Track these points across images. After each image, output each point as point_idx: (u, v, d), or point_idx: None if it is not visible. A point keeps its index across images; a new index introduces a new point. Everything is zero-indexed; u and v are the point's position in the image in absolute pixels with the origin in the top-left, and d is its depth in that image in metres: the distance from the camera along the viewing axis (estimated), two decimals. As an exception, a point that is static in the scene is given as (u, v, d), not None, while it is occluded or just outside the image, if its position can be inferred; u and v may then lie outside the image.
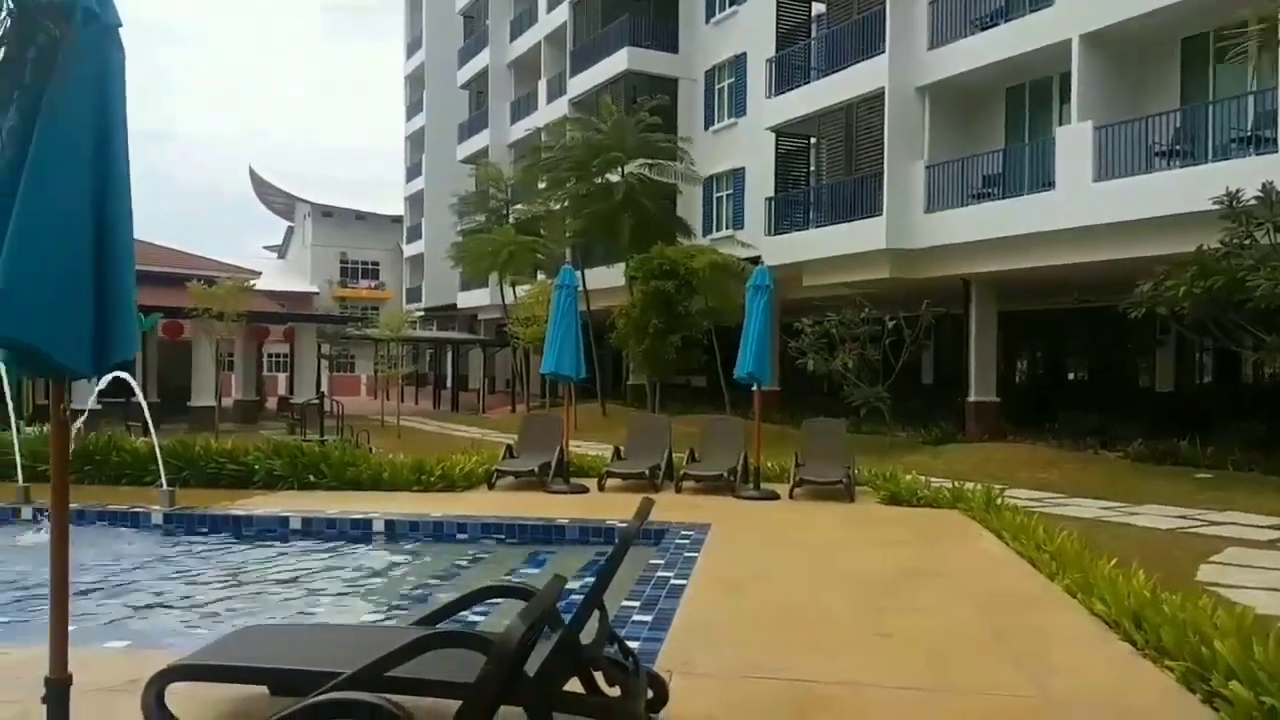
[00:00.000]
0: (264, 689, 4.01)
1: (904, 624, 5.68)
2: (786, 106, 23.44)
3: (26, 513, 9.38)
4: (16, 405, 11.55)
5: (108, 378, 7.98)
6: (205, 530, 9.13)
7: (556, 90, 36.64)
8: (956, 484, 10.69)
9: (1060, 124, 17.80)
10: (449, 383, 42.38)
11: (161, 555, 8.34)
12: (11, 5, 3.00)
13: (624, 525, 8.19)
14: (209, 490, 10.61)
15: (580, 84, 33.35)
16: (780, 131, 24.17)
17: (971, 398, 20.17)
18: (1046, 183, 17.29)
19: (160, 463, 10.01)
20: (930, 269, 19.90)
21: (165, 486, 9.64)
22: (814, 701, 4.32)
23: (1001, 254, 18.29)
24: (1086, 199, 16.23)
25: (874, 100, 20.72)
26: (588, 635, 3.51)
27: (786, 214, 23.79)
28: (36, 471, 10.19)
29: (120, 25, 3.25)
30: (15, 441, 10.39)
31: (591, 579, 5.08)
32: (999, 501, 9.80)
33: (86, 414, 10.88)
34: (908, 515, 9.78)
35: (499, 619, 5.20)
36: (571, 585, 5.01)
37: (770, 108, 24.12)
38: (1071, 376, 24.93)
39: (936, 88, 20.12)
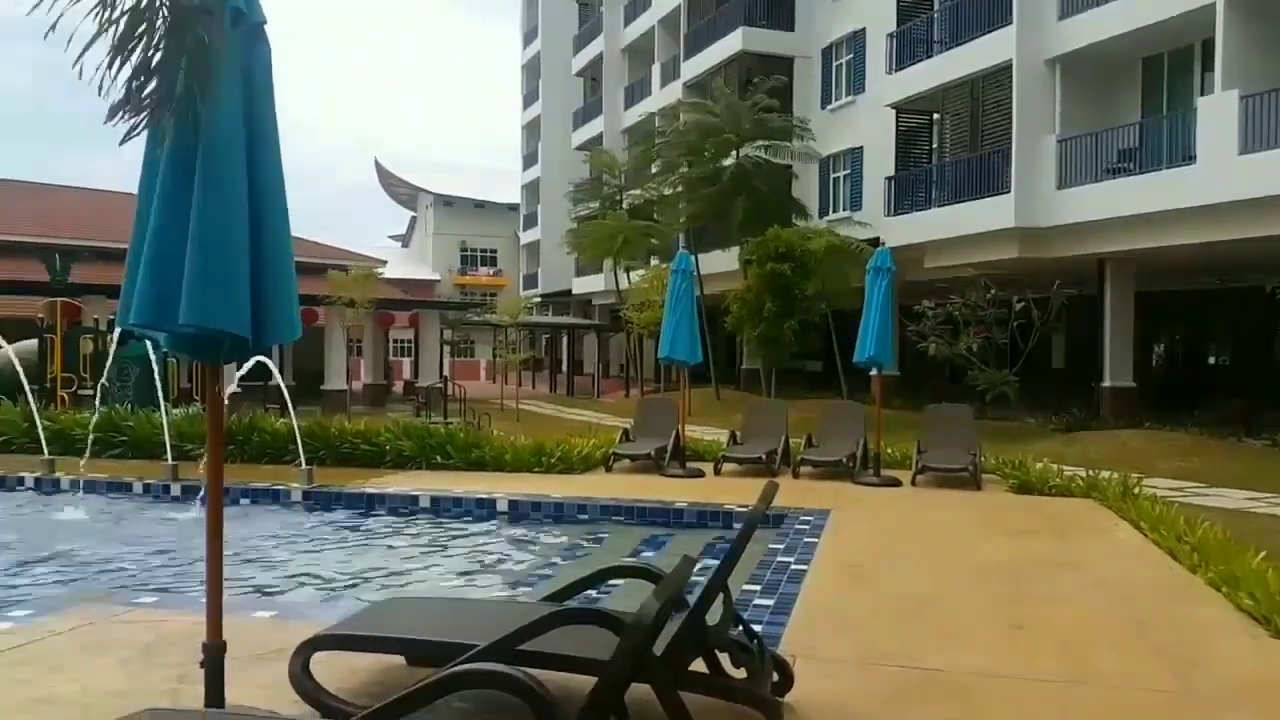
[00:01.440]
0: (401, 659, 4.18)
1: (1036, 614, 5.51)
2: (908, 82, 22.86)
3: (176, 489, 9.98)
4: (164, 388, 12.28)
5: (250, 362, 8.40)
6: (341, 507, 9.53)
7: (670, 74, 36.58)
8: (1090, 473, 10.29)
9: (1202, 94, 16.83)
10: (564, 367, 42.99)
11: (301, 531, 8.78)
12: (166, 12, 3.16)
13: (746, 509, 8.22)
14: (343, 469, 11.06)
15: (694, 67, 33.21)
16: (901, 108, 23.59)
17: (1106, 383, 19.33)
18: (1187, 156, 16.38)
19: (299, 443, 10.52)
20: (1061, 248, 19.13)
21: (304, 465, 10.12)
22: (943, 690, 4.24)
23: (1138, 232, 17.43)
24: (1231, 172, 15.30)
25: (1001, 73, 20.00)
26: (712, 617, 3.53)
27: (907, 193, 23.23)
28: (183, 451, 10.84)
29: (265, 22, 3.40)
30: (164, 423, 11.06)
31: (711, 562, 5.12)
32: (1136, 491, 9.40)
33: (229, 397, 11.50)
34: (1038, 504, 9.46)
35: (619, 598, 5.29)
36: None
37: (890, 84, 23.56)
38: (1213, 361, 23.63)
39: (1067, 59, 19.26)
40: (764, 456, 11.34)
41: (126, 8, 3.03)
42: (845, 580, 6.31)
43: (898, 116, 23.81)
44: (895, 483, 10.64)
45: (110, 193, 28.69)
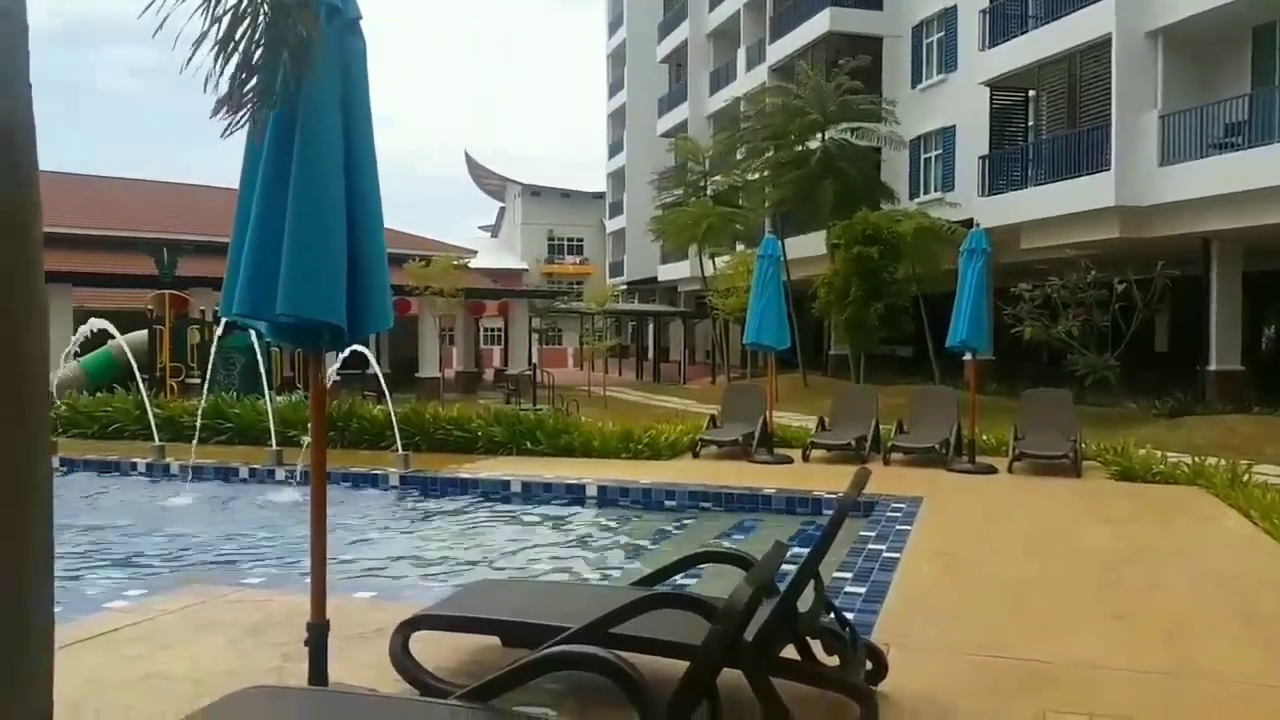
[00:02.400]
0: (496, 640, 4.26)
1: (1140, 604, 5.33)
2: (1002, 59, 22.19)
3: (280, 474, 10.34)
4: (268, 376, 12.72)
5: (347, 351, 8.64)
6: (436, 491, 9.75)
7: (756, 58, 36.26)
8: (1196, 459, 9.89)
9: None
10: (650, 354, 43.11)
11: (398, 514, 9.02)
12: (266, 10, 3.26)
13: (836, 495, 8.13)
14: (438, 454, 11.30)
15: (780, 49, 32.82)
16: (995, 85, 22.92)
17: (1212, 366, 18.52)
18: (1303, 128, 15.54)
19: (396, 429, 10.80)
20: (1164, 227, 18.36)
21: (400, 451, 10.39)
22: (1043, 681, 4.13)
23: (1248, 209, 16.60)
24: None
25: (1100, 47, 19.25)
26: (804, 604, 3.51)
27: (1002, 172, 22.58)
28: (286, 437, 11.21)
29: (360, 18, 3.46)
30: (269, 409, 11.46)
31: (801, 550, 5.08)
32: (1245, 478, 8.99)
33: (329, 384, 11.83)
34: (1141, 491, 9.14)
35: (707, 584, 5.29)
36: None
37: (984, 61, 22.91)
38: (1330, 342, 22.42)
39: (1170, 30, 18.42)
40: (853, 443, 11.19)
41: (229, 6, 3.15)
42: (940, 568, 6.20)
43: (991, 94, 23.15)
44: (991, 470, 10.40)
45: (213, 188, 29.77)
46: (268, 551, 7.54)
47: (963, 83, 25.34)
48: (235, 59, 3.16)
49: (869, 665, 3.86)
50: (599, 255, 63.25)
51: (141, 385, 12.64)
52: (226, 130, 3.18)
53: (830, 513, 7.43)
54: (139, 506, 9.46)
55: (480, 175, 70.02)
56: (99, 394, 14.51)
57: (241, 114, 3.21)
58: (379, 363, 11.72)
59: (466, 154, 69.30)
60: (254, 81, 3.22)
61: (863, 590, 5.46)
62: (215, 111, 3.21)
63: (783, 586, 3.43)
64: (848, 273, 22.66)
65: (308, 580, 3.56)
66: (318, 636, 3.53)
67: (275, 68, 3.23)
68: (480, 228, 77.52)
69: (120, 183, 32.64)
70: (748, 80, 36.50)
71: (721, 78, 40.71)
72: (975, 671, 4.26)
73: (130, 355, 12.77)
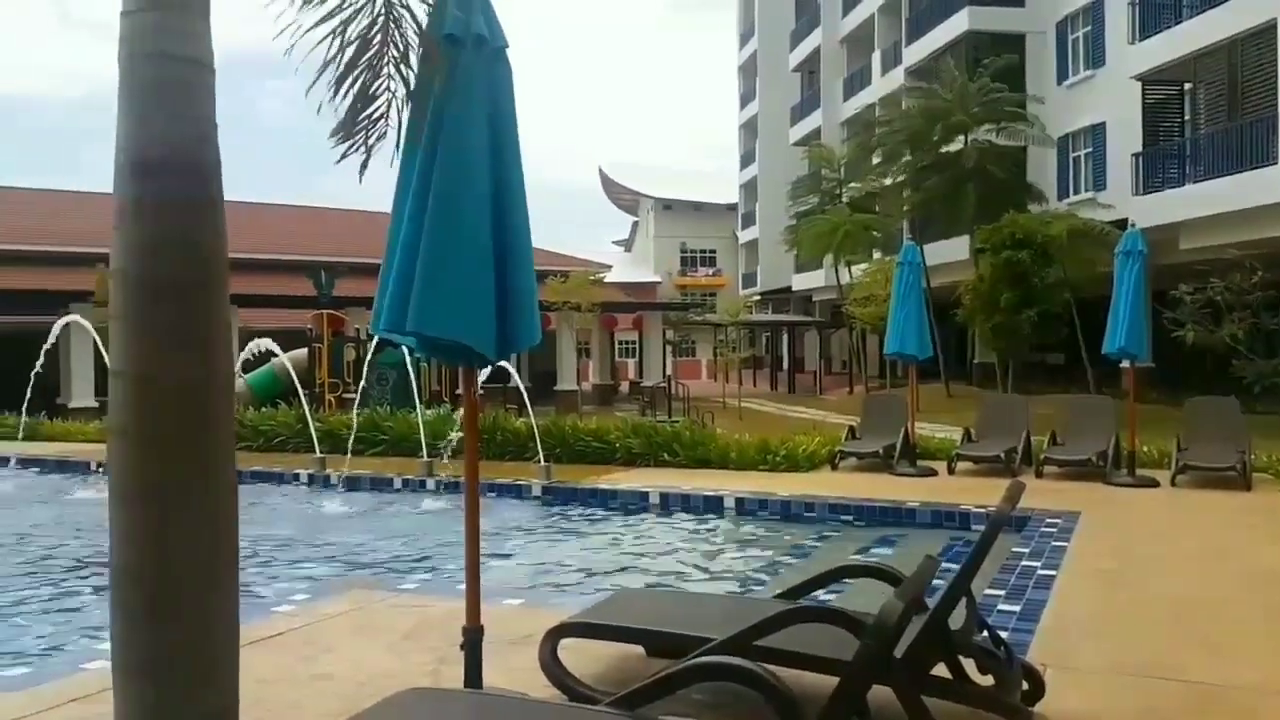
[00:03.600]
0: (639, 649, 4.31)
1: (1323, 629, 4.96)
2: (1155, 51, 21.10)
3: (431, 484, 10.73)
4: (419, 390, 13.24)
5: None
6: (577, 502, 9.94)
7: (891, 61, 35.60)
8: (1387, 472, 9.13)
9: None
10: (785, 365, 42.71)
11: (542, 524, 9.23)
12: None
13: (985, 509, 7.89)
14: (577, 466, 11.49)
15: (917, 51, 32.14)
16: (1148, 79, 21.80)
17: (1401, 372, 17.01)
18: None
19: (538, 441, 11.07)
20: (1342, 222, 17.05)
21: (542, 462, 10.64)
22: (1213, 706, 3.90)
23: None
24: None
25: (1263, 34, 18.08)
26: (955, 621, 3.43)
27: (1158, 170, 21.43)
28: (436, 449, 11.63)
29: (507, 46, 3.59)
30: (420, 422, 11.93)
31: (949, 565, 4.94)
32: None
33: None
34: (1322, 507, 8.50)
35: (848, 598, 5.21)
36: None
37: (1135, 54, 21.83)
38: None
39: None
40: (1002, 455, 10.79)
41: (353, 36, 3.29)
42: (1099, 586, 5.92)
43: (1144, 88, 22.03)
44: (1152, 483, 9.86)
45: (365, 212, 31.21)
46: (420, 559, 7.84)
47: (1112, 78, 24.19)
48: (354, 89, 3.31)
49: (1025, 685, 3.72)
50: (731, 267, 63.15)
51: (304, 400, 13.31)
52: (340, 158, 3.33)
53: (980, 528, 7.20)
54: (301, 515, 9.98)
55: (614, 191, 71.01)
56: (263, 409, 15.39)
57: (355, 142, 3.36)
58: (519, 376, 12.01)
59: (601, 170, 70.43)
60: (371, 109, 3.37)
61: (1017, 608, 5.28)
62: (332, 135, 3.38)
63: (933, 603, 3.36)
64: (995, 278, 21.93)
65: (459, 586, 3.70)
66: (473, 641, 3.66)
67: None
68: (614, 242, 78.59)
69: (278, 208, 34.63)
70: (883, 84, 35.86)
71: (856, 83, 40.13)
72: (1137, 693, 4.06)
73: (292, 372, 13.47)
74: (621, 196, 71.53)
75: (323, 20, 2.90)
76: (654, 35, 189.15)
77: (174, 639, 2.13)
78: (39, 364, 13.44)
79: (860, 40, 40.11)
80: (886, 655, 2.88)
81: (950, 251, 26.95)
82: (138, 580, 2.19)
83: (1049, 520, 7.72)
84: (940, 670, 3.56)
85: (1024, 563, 6.34)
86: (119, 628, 2.27)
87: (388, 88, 3.25)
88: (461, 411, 12.01)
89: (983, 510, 8.05)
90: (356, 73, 3.13)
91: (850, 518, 8.80)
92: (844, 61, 41.98)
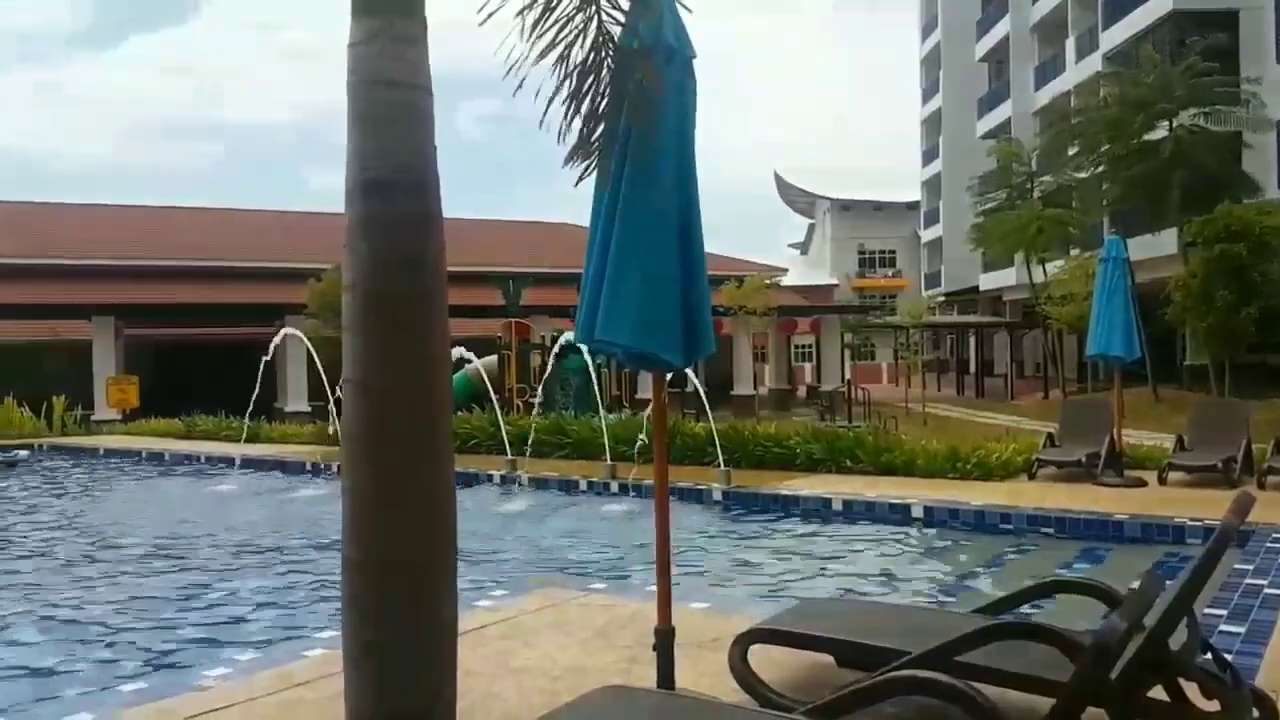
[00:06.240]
0: (826, 657, 4.25)
1: None
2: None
3: (614, 487, 10.95)
4: (601, 395, 13.55)
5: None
6: (758, 508, 9.88)
7: (1087, 47, 33.69)
8: None
9: None
10: (972, 368, 41.06)
11: (724, 528, 9.25)
12: (611, 61, 3.50)
13: (1201, 523, 7.34)
14: (756, 471, 11.43)
15: (1115, 35, 30.31)
16: (1388, 51, 19.70)
17: None
18: None
19: (718, 446, 11.09)
20: None
21: (722, 467, 10.66)
22: None
23: None
24: None
25: None
26: (1175, 642, 3.21)
27: (1400, 152, 19.31)
28: (618, 452, 11.86)
29: (695, 57, 3.63)
30: (603, 426, 12.19)
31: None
32: None
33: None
34: None
35: (1050, 615, 4.94)
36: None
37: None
38: None
39: None
40: (1220, 464, 9.97)
41: (577, 63, 3.43)
42: (1337, 609, 5.38)
43: (1384, 60, 19.91)
44: (1399, 498, 8.88)
45: (551, 224, 32.28)
46: (608, 559, 8.02)
47: (1346, 50, 21.99)
48: (584, 110, 3.44)
49: (1255, 713, 3.44)
50: (911, 267, 61.38)
51: (496, 405, 13.84)
52: (579, 180, 3.47)
53: (1195, 542, 6.74)
54: (493, 514, 10.39)
55: (789, 193, 70.35)
56: (458, 412, 16.13)
57: (590, 161, 3.49)
58: (698, 380, 12.10)
59: (776, 174, 69.89)
60: (600, 130, 3.49)
61: (1241, 630, 4.87)
62: (567, 161, 3.51)
63: (1149, 621, 3.16)
64: (1209, 274, 20.35)
65: (646, 587, 3.77)
66: (664, 642, 3.72)
67: (619, 115, 3.48)
68: (790, 245, 77.84)
69: (470, 222, 36.26)
70: (1078, 72, 33.97)
71: (1048, 71, 38.20)
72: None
73: (485, 377, 14.07)
74: (796, 199, 70.77)
75: (546, 51, 3.02)
76: (819, 34, 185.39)
77: (399, 626, 2.27)
78: (259, 373, 14.55)
79: (1052, 27, 38.21)
80: (1104, 677, 2.73)
81: (1153, 246, 25.18)
82: (367, 573, 2.36)
83: (1275, 535, 7.08)
84: (1158, 693, 3.34)
85: (1248, 580, 5.85)
86: (349, 617, 2.45)
87: (614, 105, 3.39)
88: (645, 414, 12.18)
89: (1199, 524, 7.48)
90: (582, 95, 3.27)
91: (1050, 530, 8.35)
92: (1035, 50, 40.06)
